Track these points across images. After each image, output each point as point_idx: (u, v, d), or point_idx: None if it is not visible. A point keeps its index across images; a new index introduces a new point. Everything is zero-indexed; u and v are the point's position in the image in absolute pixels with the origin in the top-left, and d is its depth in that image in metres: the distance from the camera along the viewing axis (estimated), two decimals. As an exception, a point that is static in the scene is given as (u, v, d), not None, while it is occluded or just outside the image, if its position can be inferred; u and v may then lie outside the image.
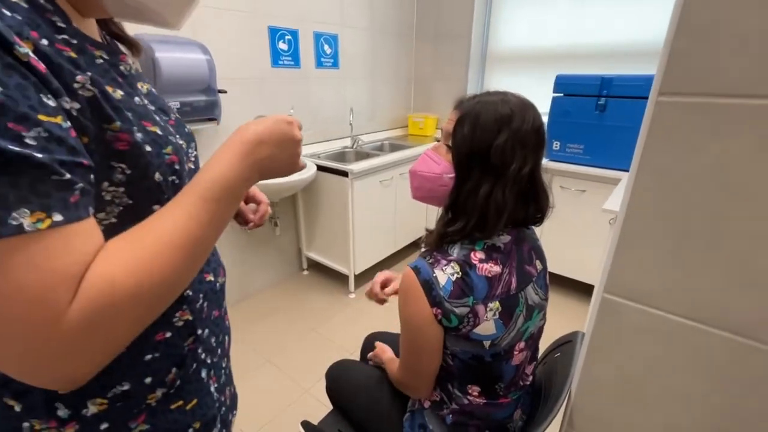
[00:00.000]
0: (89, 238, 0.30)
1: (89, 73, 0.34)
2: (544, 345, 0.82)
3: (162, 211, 0.35)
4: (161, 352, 0.43)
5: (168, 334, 0.44)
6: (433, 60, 2.85)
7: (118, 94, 0.38)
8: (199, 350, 0.49)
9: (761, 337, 0.46)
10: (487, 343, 0.63)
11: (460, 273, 0.61)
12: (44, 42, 0.31)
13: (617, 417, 0.60)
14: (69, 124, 0.30)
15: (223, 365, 0.56)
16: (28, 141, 0.26)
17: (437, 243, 0.65)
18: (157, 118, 0.43)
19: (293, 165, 0.45)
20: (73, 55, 0.33)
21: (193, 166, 0.50)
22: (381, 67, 2.67)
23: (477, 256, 0.62)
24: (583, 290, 2.10)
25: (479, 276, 0.61)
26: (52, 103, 0.29)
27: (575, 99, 1.92)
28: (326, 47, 2.22)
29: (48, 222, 0.27)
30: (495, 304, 0.62)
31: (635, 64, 2.12)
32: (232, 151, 0.39)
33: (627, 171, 2.06)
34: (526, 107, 0.64)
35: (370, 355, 0.99)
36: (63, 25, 0.34)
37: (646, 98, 1.73)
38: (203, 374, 0.50)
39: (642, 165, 0.50)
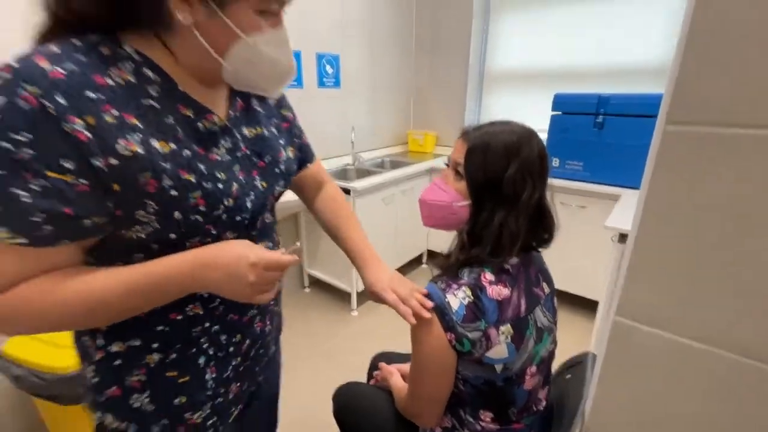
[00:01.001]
0: (35, 264, 0.42)
1: (140, 136, 0.43)
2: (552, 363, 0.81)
3: (100, 274, 0.44)
4: (171, 328, 0.53)
5: (179, 317, 0.54)
6: (432, 78, 2.91)
7: (167, 148, 0.46)
8: (202, 340, 0.56)
9: (775, 361, 0.46)
10: (499, 367, 0.63)
11: (472, 297, 0.61)
12: (109, 116, 0.40)
13: (633, 442, 0.60)
14: (81, 182, 0.40)
15: (234, 362, 0.61)
16: (32, 186, 0.38)
17: (456, 270, 0.65)
18: (201, 167, 0.49)
19: (244, 298, 0.49)
20: (134, 121, 0.43)
21: (273, 200, 0.63)
22: (381, 86, 2.72)
23: (487, 277, 0.63)
24: (586, 306, 2.09)
25: (490, 299, 0.62)
26: (69, 164, 0.39)
27: (573, 117, 1.96)
28: (328, 67, 2.27)
29: (14, 239, 0.39)
30: (506, 328, 0.62)
31: (632, 83, 2.17)
32: (185, 262, 0.46)
33: (626, 187, 2.08)
34: (531, 136, 0.67)
35: (375, 374, 0.99)
36: (155, 94, 0.45)
37: (644, 116, 1.79)
38: (201, 360, 0.57)
39: (651, 191, 0.51)
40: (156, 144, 0.44)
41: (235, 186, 0.53)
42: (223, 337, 0.58)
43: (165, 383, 0.55)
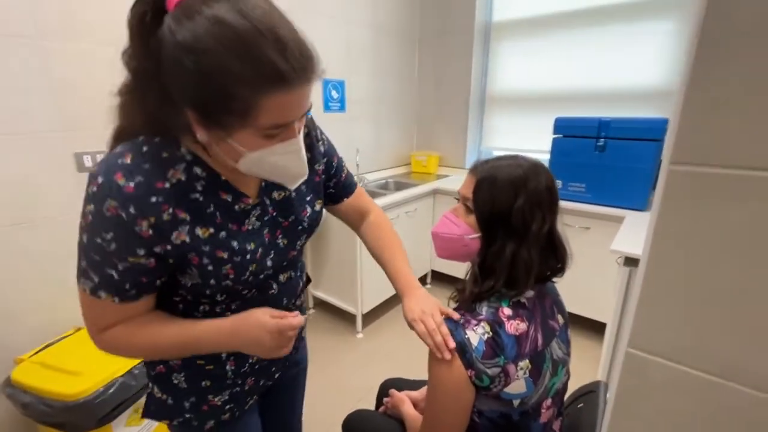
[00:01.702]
0: (124, 313, 0.58)
1: (188, 227, 0.55)
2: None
3: (165, 330, 0.60)
4: None
5: None
6: (435, 101, 2.98)
7: (207, 233, 0.58)
8: None
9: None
10: (516, 402, 0.63)
11: (491, 333, 0.62)
12: (166, 214, 0.53)
13: (649, 476, 0.60)
14: (150, 260, 0.54)
15: (250, 360, 0.73)
16: (119, 267, 0.53)
17: (471, 302, 0.66)
18: (234, 244, 0.60)
19: (266, 355, 0.63)
20: (184, 215, 0.55)
21: (296, 253, 0.74)
22: (385, 109, 2.78)
23: (505, 312, 0.64)
24: (591, 327, 2.08)
25: (509, 335, 0.62)
26: (141, 251, 0.53)
27: (575, 140, 1.99)
28: (333, 92, 2.33)
29: (110, 299, 0.55)
30: (525, 363, 0.63)
31: (631, 107, 2.22)
32: (221, 330, 0.61)
33: (629, 209, 2.09)
34: (538, 168, 0.69)
35: (386, 401, 0.98)
36: (200, 188, 0.57)
37: (644, 140, 1.83)
38: (223, 355, 0.70)
39: (658, 228, 0.52)
40: (199, 231, 0.57)
41: (260, 251, 0.64)
42: None
43: (195, 368, 0.69)
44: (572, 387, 0.85)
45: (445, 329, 0.63)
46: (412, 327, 0.68)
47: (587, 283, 1.95)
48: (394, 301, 2.45)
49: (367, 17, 2.47)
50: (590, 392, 0.80)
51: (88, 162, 1.38)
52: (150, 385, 0.73)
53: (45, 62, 1.25)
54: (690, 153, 0.48)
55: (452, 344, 0.62)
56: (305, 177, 0.61)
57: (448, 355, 0.62)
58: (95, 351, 1.31)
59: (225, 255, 0.60)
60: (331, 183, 0.81)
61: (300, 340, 0.83)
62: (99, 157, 1.41)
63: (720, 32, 0.42)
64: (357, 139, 2.56)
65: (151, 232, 0.52)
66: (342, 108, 2.40)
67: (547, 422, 0.69)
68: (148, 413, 0.74)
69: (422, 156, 2.97)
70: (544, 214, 0.65)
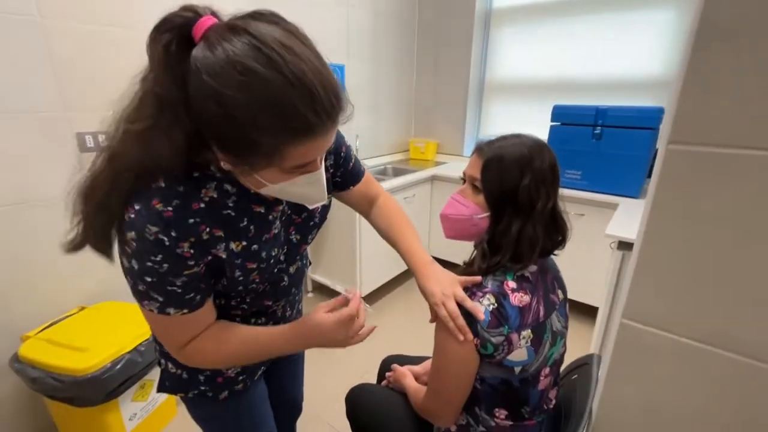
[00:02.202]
0: (197, 323, 0.61)
1: (224, 243, 0.58)
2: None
3: (247, 333, 0.65)
4: (217, 308, 0.69)
5: (223, 301, 0.69)
6: (434, 88, 2.98)
7: (240, 246, 0.60)
8: (237, 319, 0.72)
9: (769, 358, 0.51)
10: (517, 369, 0.67)
11: (496, 304, 0.65)
12: (205, 233, 0.55)
13: (639, 435, 0.64)
14: (201, 267, 0.57)
15: None
16: (178, 283, 0.55)
17: (481, 278, 0.69)
18: (263, 254, 0.64)
19: (339, 346, 0.66)
20: (219, 233, 0.57)
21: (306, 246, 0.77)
22: (384, 95, 2.78)
23: (509, 285, 0.67)
24: (585, 311, 2.14)
25: (512, 306, 0.66)
26: (191, 263, 0.55)
27: (572, 128, 2.02)
28: (333, 77, 2.32)
29: (180, 312, 0.57)
30: (527, 332, 0.66)
31: (628, 95, 2.25)
32: (284, 337, 0.65)
33: (623, 196, 2.14)
34: (541, 147, 0.71)
35: (388, 375, 1.02)
36: (231, 204, 0.58)
37: (640, 128, 1.87)
38: None
39: (655, 204, 0.56)
40: (233, 245, 0.59)
41: (280, 252, 0.68)
42: (252, 320, 0.75)
43: None
44: (566, 364, 0.89)
45: (471, 304, 0.65)
46: (433, 311, 0.69)
47: (580, 269, 2.00)
48: (393, 283, 2.49)
49: (367, 2, 2.45)
50: (584, 365, 0.84)
51: (90, 142, 1.38)
52: (163, 361, 0.75)
53: (47, 41, 1.24)
54: (687, 133, 0.51)
55: (480, 315, 0.64)
56: (325, 202, 0.62)
57: (470, 336, 0.64)
58: (100, 328, 1.35)
59: (254, 265, 0.63)
60: (339, 172, 0.81)
61: (298, 294, 0.85)
62: (101, 138, 1.41)
63: (718, 21, 0.44)
64: (356, 125, 2.57)
65: (192, 251, 0.54)
66: (341, 93, 2.40)
67: (544, 390, 0.73)
68: (163, 388, 0.76)
69: (420, 143, 2.99)
70: (548, 191, 0.68)
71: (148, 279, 0.53)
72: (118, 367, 1.18)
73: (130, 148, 0.49)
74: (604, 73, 2.31)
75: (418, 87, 3.05)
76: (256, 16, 0.46)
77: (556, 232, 0.73)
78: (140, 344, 1.26)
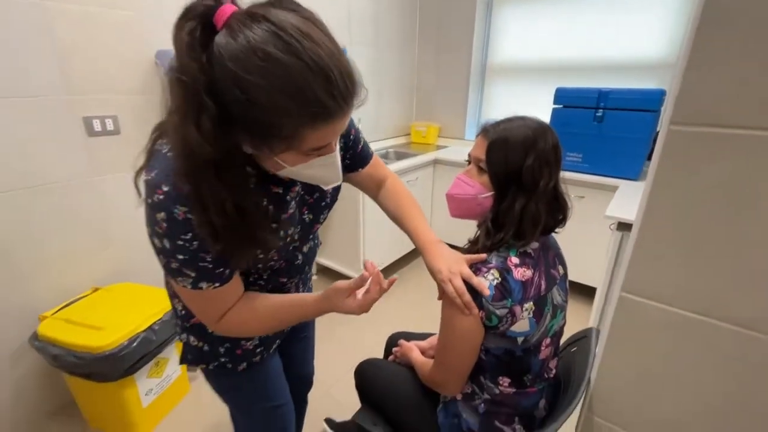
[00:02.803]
0: (228, 295, 0.65)
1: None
2: (560, 341, 0.89)
3: (276, 301, 0.70)
4: None
5: (242, 276, 0.72)
6: (435, 71, 2.96)
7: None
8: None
9: (763, 328, 0.54)
10: (520, 340, 0.71)
11: (500, 278, 0.69)
12: None
13: (634, 403, 0.68)
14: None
15: None
16: (208, 258, 0.58)
17: (484, 253, 0.73)
18: (281, 234, 0.67)
19: (354, 313, 0.68)
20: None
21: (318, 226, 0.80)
22: (386, 79, 2.77)
23: (512, 261, 0.71)
24: (582, 291, 2.19)
25: (516, 280, 0.69)
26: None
27: (574, 110, 2.03)
28: (335, 60, 2.31)
29: (212, 286, 0.61)
30: (529, 305, 0.70)
31: (631, 77, 2.25)
32: (314, 306, 0.70)
33: (623, 178, 2.16)
34: (545, 129, 0.73)
35: (395, 350, 1.06)
36: (252, 186, 0.60)
37: (642, 111, 1.88)
38: None
39: (656, 181, 0.58)
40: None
41: (291, 228, 0.70)
42: None
43: None
44: (565, 338, 0.93)
45: (477, 281, 0.68)
46: (440, 288, 0.72)
47: (580, 250, 2.04)
48: (395, 266, 2.54)
49: (369, -19, 2.41)
50: (583, 338, 0.89)
51: (97, 126, 1.39)
52: (185, 335, 0.79)
53: (48, 25, 1.24)
54: (689, 114, 0.53)
55: (486, 291, 0.67)
56: (340, 182, 0.65)
57: (476, 311, 0.68)
58: (114, 308, 1.39)
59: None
60: (348, 155, 0.83)
61: (309, 271, 0.89)
62: (108, 122, 1.42)
63: (721, 2, 0.46)
64: (358, 109, 2.56)
65: None
66: (343, 76, 2.39)
67: (545, 359, 0.77)
68: (185, 360, 0.80)
69: (422, 126, 2.99)
70: (551, 171, 0.71)
71: (180, 257, 0.56)
72: (134, 345, 1.23)
73: (172, 136, 0.52)
74: (607, 55, 2.30)
75: (420, 70, 3.03)
76: (275, 3, 0.48)
77: (557, 211, 0.76)
78: (154, 323, 1.30)
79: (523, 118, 0.75)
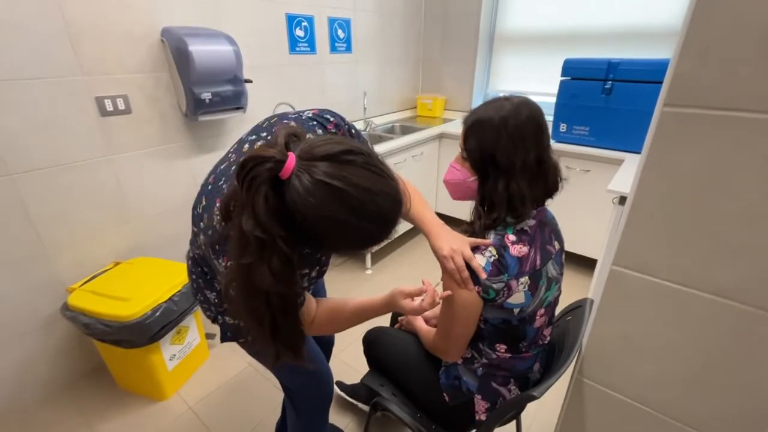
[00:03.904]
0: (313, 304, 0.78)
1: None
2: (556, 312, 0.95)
3: (355, 306, 0.81)
4: None
5: None
6: (441, 41, 2.89)
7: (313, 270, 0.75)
8: None
9: (737, 297, 0.59)
10: (516, 310, 0.76)
11: (497, 255, 0.73)
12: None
13: (619, 365, 0.74)
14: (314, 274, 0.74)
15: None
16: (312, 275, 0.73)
17: (482, 232, 0.77)
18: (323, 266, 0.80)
19: (414, 314, 0.81)
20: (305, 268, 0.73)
21: None
22: (391, 50, 2.72)
23: (509, 238, 0.75)
24: (585, 264, 2.24)
25: (512, 257, 0.74)
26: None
27: (582, 82, 1.99)
28: (339, 32, 2.27)
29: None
30: (525, 279, 0.74)
31: (642, 46, 2.18)
32: (382, 305, 0.80)
33: (629, 152, 2.16)
34: (520, 106, 0.73)
35: (400, 319, 1.13)
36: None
37: (651, 82, 1.87)
38: None
39: (648, 161, 0.61)
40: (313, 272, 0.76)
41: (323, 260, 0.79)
42: None
43: None
44: (563, 308, 0.99)
45: (476, 263, 0.73)
46: (442, 264, 0.77)
47: (583, 223, 2.07)
48: (399, 240, 2.60)
49: (373, -53, 2.33)
50: (578, 307, 0.94)
51: (109, 106, 1.42)
52: (220, 317, 0.86)
53: (60, 4, 1.25)
54: (681, 96, 0.56)
55: (482, 274, 0.73)
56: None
57: (471, 286, 0.73)
58: (136, 281, 1.48)
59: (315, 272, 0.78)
60: None
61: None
62: (119, 102, 1.45)
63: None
64: (363, 82, 2.54)
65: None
66: (348, 49, 2.36)
67: (539, 327, 0.83)
68: (225, 338, 0.88)
69: (428, 99, 2.95)
70: (528, 145, 0.72)
71: None
72: (158, 314, 1.32)
73: (239, 276, 0.57)
74: (618, 22, 2.23)
75: (426, 39, 2.96)
76: (332, 156, 0.54)
77: (544, 184, 0.78)
78: (174, 295, 1.39)
79: (497, 99, 0.76)
